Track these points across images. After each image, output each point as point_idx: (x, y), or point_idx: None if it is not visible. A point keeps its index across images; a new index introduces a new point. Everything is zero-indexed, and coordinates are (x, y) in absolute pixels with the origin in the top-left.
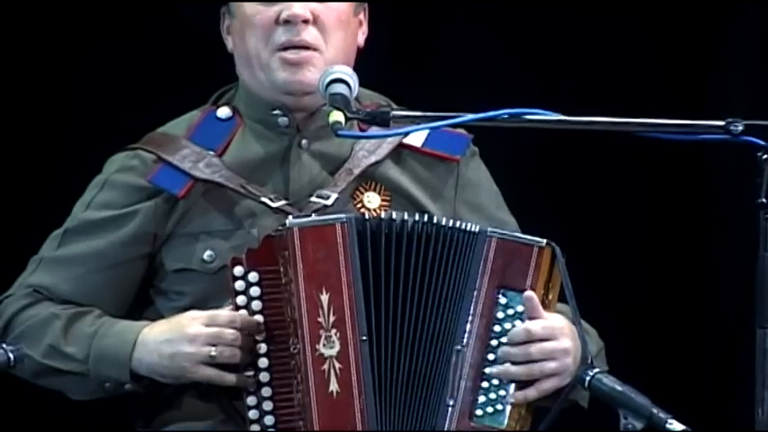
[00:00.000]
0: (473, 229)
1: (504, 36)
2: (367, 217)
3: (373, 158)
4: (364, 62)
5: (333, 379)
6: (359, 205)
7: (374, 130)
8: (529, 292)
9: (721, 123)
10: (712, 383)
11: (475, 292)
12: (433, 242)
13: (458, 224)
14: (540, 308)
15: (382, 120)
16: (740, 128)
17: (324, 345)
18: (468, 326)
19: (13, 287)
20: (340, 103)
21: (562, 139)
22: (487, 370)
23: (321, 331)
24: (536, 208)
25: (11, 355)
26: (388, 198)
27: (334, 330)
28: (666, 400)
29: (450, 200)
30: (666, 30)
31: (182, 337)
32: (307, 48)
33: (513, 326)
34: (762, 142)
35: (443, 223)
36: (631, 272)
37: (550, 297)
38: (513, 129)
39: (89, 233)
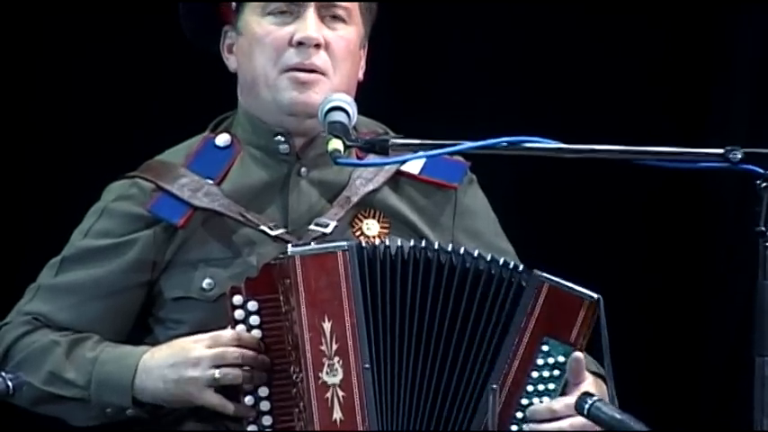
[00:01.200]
0: (518, 268)
1: (503, 62)
2: (368, 244)
3: (371, 186)
4: (364, 90)
5: (336, 407)
6: (358, 233)
7: (371, 159)
8: (578, 354)
9: (720, 151)
10: (711, 411)
11: (517, 335)
12: (462, 276)
13: (501, 260)
14: (585, 372)
15: (381, 148)
16: (739, 156)
17: (327, 373)
18: (506, 366)
19: (11, 315)
20: (339, 131)
21: (561, 165)
22: (518, 414)
23: (324, 359)
24: (535, 234)
25: (10, 384)
26: (387, 225)
27: (336, 358)
28: (666, 427)
29: (448, 227)
30: (667, 56)
31: (185, 361)
32: (315, 72)
33: (552, 375)
34: (761, 170)
35: (475, 255)
36: (630, 299)
37: (583, 344)
38: (512, 155)
39: (87, 261)
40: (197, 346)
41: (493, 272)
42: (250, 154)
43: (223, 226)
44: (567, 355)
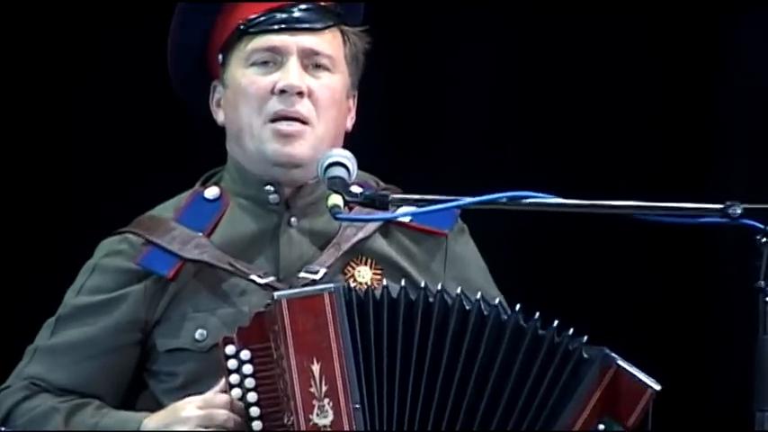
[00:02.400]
0: (580, 342)
1: (501, 116)
2: (353, 286)
3: (361, 234)
4: (360, 142)
5: None
6: (350, 279)
7: (364, 213)
8: None
9: (720, 207)
10: None
11: (575, 407)
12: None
13: (557, 334)
14: None
15: (381, 203)
16: (739, 211)
17: (317, 414)
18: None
19: (10, 379)
20: (339, 186)
21: (560, 219)
22: None
23: (314, 401)
24: (535, 286)
25: None
26: (380, 272)
27: (326, 400)
28: None
29: (438, 274)
30: (666, 109)
31: (175, 420)
32: (299, 120)
33: None
34: (760, 225)
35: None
36: (629, 353)
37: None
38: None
39: (80, 319)
40: (189, 407)
41: (505, 318)
42: (239, 205)
43: (214, 277)
44: None
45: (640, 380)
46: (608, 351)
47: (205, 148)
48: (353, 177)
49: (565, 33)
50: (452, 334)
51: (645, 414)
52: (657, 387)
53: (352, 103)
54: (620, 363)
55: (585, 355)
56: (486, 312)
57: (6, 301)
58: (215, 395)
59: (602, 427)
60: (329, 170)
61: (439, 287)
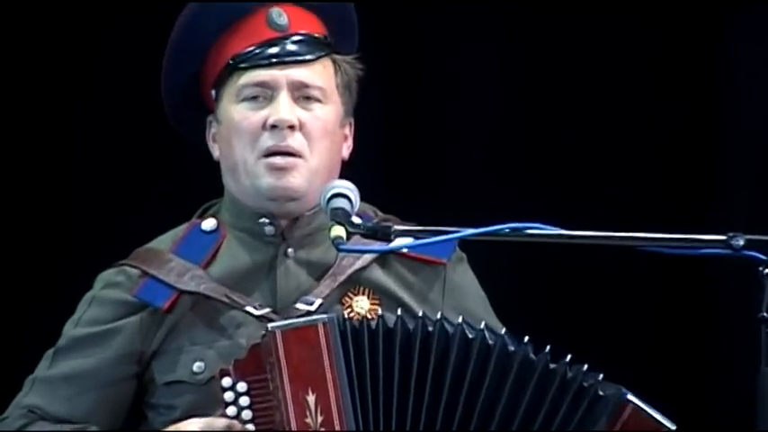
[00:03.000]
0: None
1: (502, 146)
2: (350, 316)
3: (358, 265)
4: (360, 173)
5: None
6: (348, 309)
7: (363, 243)
8: None
9: (722, 238)
10: None
11: None
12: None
13: (576, 373)
14: None
15: (384, 234)
16: (741, 242)
17: None
18: None
19: (9, 409)
20: (341, 217)
21: (562, 249)
22: None
23: None
24: (536, 317)
25: None
26: (378, 301)
27: (322, 429)
28: None
29: (437, 304)
30: (669, 138)
31: (178, 429)
32: (292, 154)
33: None
34: (763, 257)
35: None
36: (631, 385)
37: None
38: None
39: (78, 351)
40: (189, 426)
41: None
42: (237, 237)
43: (211, 309)
44: None
45: (657, 420)
46: (624, 389)
47: (205, 180)
48: (356, 209)
49: (568, 69)
50: (454, 364)
51: None
52: (673, 427)
53: (349, 131)
54: (636, 402)
55: (601, 393)
56: (491, 342)
57: (8, 333)
58: (216, 419)
59: None
60: (332, 201)
61: (438, 316)
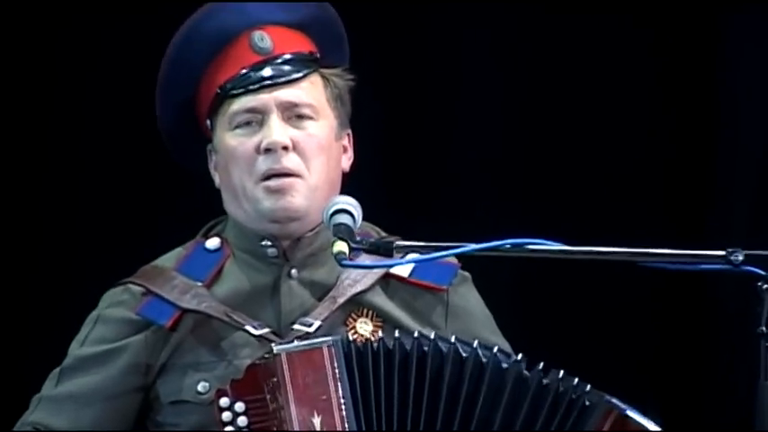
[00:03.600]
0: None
1: (503, 162)
2: (353, 338)
3: (359, 287)
4: (363, 193)
5: None
6: (352, 331)
7: (364, 259)
8: None
9: (722, 253)
10: None
11: None
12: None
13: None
14: None
15: (385, 250)
16: (741, 258)
17: None
18: None
19: (16, 426)
20: (344, 233)
21: (563, 265)
22: None
23: None
24: (537, 332)
25: None
26: (380, 324)
27: None
28: None
29: (440, 328)
30: (669, 155)
31: None
32: (289, 174)
33: None
34: (762, 272)
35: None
36: (631, 399)
37: None
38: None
39: (84, 369)
40: None
41: (506, 366)
42: (240, 258)
43: (214, 328)
44: None
45: (643, 426)
46: (610, 397)
47: (213, 198)
48: (359, 224)
49: (567, 77)
50: (448, 383)
51: None
52: (657, 429)
53: (348, 142)
54: (623, 408)
55: (587, 402)
56: (484, 360)
57: (15, 350)
58: None
59: None
60: (334, 217)
61: (432, 335)
